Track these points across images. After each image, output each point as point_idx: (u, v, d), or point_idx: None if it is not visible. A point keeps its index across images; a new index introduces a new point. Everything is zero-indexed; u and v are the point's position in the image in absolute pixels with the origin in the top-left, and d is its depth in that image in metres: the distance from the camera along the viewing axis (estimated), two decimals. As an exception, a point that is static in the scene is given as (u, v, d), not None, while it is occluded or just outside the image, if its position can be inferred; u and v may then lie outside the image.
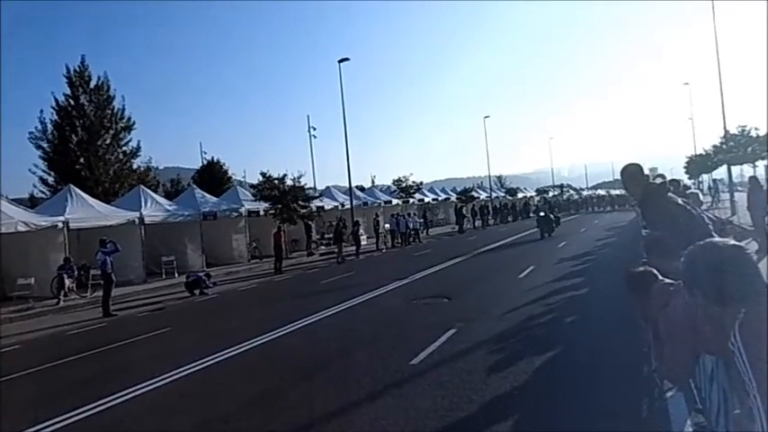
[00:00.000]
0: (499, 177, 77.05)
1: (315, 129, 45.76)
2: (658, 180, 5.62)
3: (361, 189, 45.69)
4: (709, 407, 3.14)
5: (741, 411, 2.29)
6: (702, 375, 3.22)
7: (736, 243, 2.13)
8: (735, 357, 1.90)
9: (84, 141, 30.60)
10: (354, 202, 34.74)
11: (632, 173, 5.18)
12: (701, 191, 34.93)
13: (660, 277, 3.24)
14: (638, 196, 5.15)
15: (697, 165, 52.57)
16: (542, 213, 28.88)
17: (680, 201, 4.88)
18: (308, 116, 45.51)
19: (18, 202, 22.98)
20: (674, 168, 59.94)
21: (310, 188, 32.31)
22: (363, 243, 28.31)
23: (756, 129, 40.38)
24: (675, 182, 9.12)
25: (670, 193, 5.02)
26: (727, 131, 35.20)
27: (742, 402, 2.41)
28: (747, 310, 1.92)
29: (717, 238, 2.29)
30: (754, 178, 15.62)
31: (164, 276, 22.08)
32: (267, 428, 5.70)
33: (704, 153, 50.56)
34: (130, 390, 7.24)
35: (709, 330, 2.28)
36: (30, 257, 19.07)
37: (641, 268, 3.38)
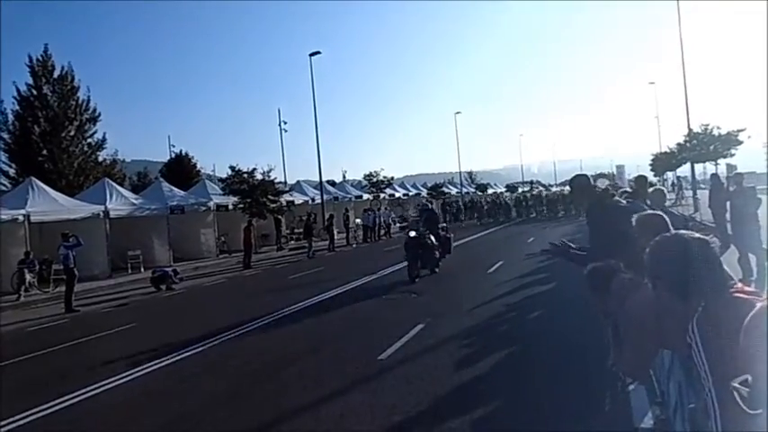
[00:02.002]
0: (470, 173, 77.62)
1: (286, 123, 45.36)
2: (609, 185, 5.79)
3: (332, 184, 45.49)
4: (668, 400, 3.18)
5: (695, 406, 2.31)
6: (661, 368, 3.26)
7: (702, 236, 2.12)
8: (691, 351, 1.91)
9: (48, 133, 29.77)
10: (325, 196, 34.62)
11: (581, 184, 5.27)
12: (666, 188, 35.58)
13: (620, 272, 3.26)
14: (585, 206, 5.27)
15: (662, 162, 53.49)
16: (412, 234, 14.87)
17: (624, 202, 5.01)
18: (279, 110, 45.14)
19: (-24, 194, 22.32)
20: (640, 166, 61.03)
21: (280, 182, 32.05)
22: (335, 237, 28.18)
23: (718, 128, 41.28)
24: (642, 177, 9.23)
25: (615, 197, 5.14)
26: (690, 130, 35.99)
27: (697, 397, 2.44)
28: (707, 304, 1.94)
29: (683, 231, 2.28)
30: (715, 176, 15.96)
31: (129, 271, 21.69)
32: (233, 426, 5.63)
33: (669, 151, 51.54)
34: (92, 388, 7.10)
35: (670, 324, 2.30)
36: (-11, 252, 18.54)
37: (601, 263, 3.39)
